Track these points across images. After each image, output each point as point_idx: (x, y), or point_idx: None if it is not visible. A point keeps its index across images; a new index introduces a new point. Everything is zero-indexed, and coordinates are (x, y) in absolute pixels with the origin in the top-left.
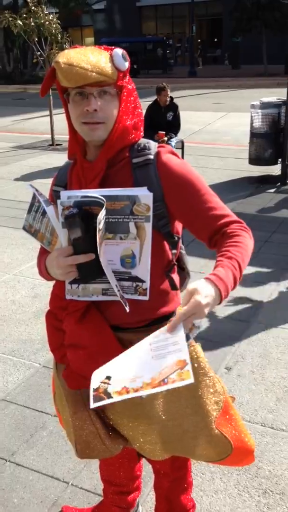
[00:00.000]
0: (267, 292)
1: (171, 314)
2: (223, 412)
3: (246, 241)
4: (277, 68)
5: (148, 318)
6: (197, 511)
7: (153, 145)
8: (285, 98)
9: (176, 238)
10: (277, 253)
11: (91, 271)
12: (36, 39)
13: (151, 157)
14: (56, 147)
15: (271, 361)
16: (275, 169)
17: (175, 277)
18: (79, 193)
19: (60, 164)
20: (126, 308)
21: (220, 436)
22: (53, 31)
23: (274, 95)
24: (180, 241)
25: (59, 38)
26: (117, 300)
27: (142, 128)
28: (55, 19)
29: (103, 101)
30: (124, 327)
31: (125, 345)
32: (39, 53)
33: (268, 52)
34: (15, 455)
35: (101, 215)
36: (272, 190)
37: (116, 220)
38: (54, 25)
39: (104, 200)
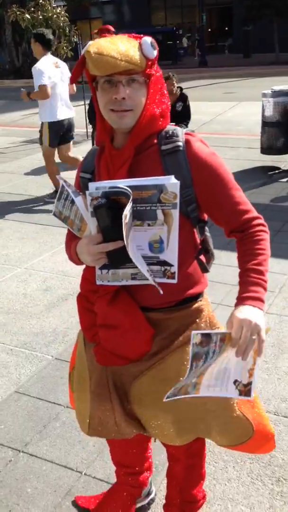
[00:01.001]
0: (279, 282)
1: (198, 295)
2: None
3: (267, 245)
4: None
5: (176, 299)
6: (210, 499)
7: (180, 132)
8: None
9: (203, 223)
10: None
11: (120, 257)
12: None
13: (180, 144)
14: None
15: (284, 350)
16: None
17: (202, 259)
18: (107, 184)
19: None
20: (160, 291)
21: (241, 418)
22: (61, 24)
23: (286, 83)
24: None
25: (67, 31)
26: (146, 284)
27: (169, 116)
28: (63, 12)
29: (131, 89)
30: (153, 307)
31: (154, 324)
32: None
33: (279, 40)
34: (28, 445)
35: (127, 210)
36: (285, 180)
37: (144, 208)
38: (62, 18)
39: (131, 192)
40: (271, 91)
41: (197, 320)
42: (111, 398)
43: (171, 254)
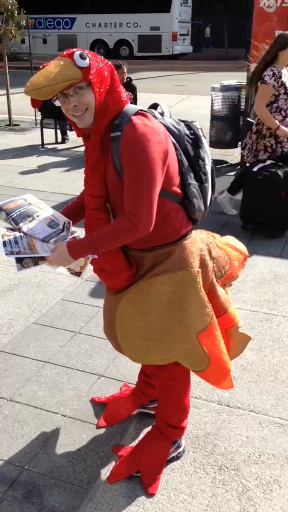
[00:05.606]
0: None
1: (167, 244)
2: (209, 330)
3: (114, 228)
4: (238, 51)
5: (147, 246)
6: None
7: (125, 121)
8: (245, 81)
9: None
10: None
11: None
12: None
13: (119, 133)
14: (13, 127)
15: None
16: (236, 152)
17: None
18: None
19: (18, 145)
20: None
21: (199, 347)
22: (10, 7)
23: (234, 78)
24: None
25: (15, 14)
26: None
27: (121, 98)
28: None
29: (79, 95)
30: (132, 248)
31: (133, 259)
32: None
33: (229, 35)
34: None
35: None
36: (232, 173)
37: (26, 209)
38: (10, 1)
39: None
40: (220, 85)
41: (166, 259)
42: (108, 307)
43: (60, 219)
